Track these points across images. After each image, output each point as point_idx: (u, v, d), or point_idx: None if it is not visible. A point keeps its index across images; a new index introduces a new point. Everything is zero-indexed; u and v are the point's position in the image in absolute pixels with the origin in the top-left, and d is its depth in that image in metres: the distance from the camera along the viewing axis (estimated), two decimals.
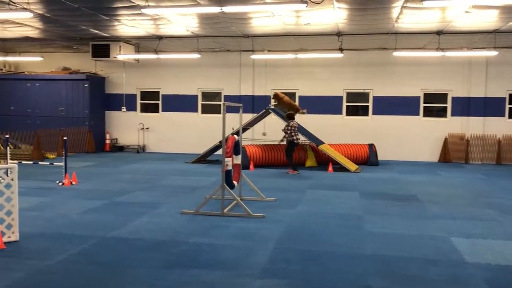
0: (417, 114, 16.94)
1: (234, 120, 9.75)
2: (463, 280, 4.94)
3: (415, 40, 14.60)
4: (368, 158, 15.17)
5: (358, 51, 16.58)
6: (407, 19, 11.84)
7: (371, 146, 15.43)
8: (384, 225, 7.29)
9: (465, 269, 5.27)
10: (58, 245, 5.99)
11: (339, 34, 13.91)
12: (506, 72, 16.11)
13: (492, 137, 16.29)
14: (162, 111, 18.74)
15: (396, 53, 14.96)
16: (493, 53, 14.64)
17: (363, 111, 17.46)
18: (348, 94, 17.45)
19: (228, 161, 7.94)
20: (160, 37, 14.94)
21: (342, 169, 13.63)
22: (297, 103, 17.65)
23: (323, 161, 14.60)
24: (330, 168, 13.70)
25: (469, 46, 14.86)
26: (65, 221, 7.26)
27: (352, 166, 13.85)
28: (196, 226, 7.04)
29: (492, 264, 5.43)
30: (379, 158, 15.63)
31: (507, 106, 16.38)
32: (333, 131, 16.83)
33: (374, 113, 17.21)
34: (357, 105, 17.53)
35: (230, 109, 9.20)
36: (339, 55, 15.28)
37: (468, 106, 16.51)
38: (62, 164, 10.75)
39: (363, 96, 17.40)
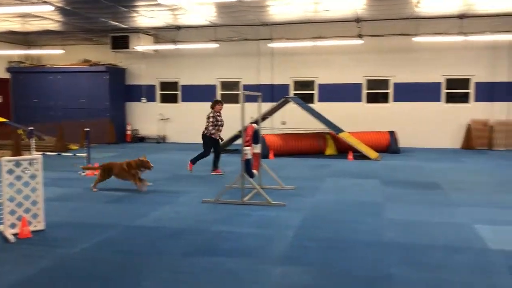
0: (439, 100, 16.67)
1: (253, 110, 9.76)
2: (487, 267, 4.88)
3: (436, 25, 14.32)
4: (389, 146, 15.02)
5: (378, 37, 16.35)
6: (428, 3, 11.61)
7: (392, 134, 15.26)
8: (406, 212, 7.23)
9: (488, 256, 5.20)
10: (82, 234, 6.12)
11: (358, 20, 13.73)
12: None
13: None
14: (182, 101, 18.86)
15: (417, 39, 14.70)
16: None
17: (384, 98, 17.26)
18: (368, 81, 17.26)
19: (247, 150, 7.96)
20: (178, 27, 15.00)
21: (363, 157, 13.55)
22: (316, 91, 17.58)
23: (343, 149, 14.51)
24: (350, 156, 13.62)
25: (493, 29, 14.49)
26: (89, 211, 7.41)
27: (372, 153, 13.74)
28: (217, 215, 7.10)
29: None
30: (400, 145, 15.47)
31: None
32: (353, 119, 16.70)
33: (395, 100, 17.00)
34: (377, 92, 17.33)
35: (249, 98, 9.19)
36: (358, 41, 15.09)
37: (491, 92, 16.16)
38: (85, 155, 10.94)
39: (384, 83, 17.19)
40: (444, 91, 16.65)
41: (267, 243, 5.69)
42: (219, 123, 10.79)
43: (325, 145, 14.66)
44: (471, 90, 16.47)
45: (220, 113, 10.91)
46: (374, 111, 17.11)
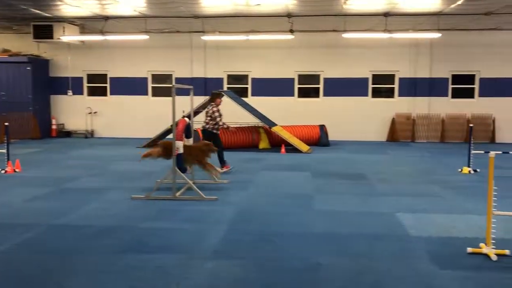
0: (366, 95, 17.36)
1: (186, 103, 9.61)
2: (408, 253, 5.16)
3: (363, 22, 14.86)
4: (320, 139, 15.44)
5: (309, 33, 16.68)
6: (355, 1, 12.00)
7: (322, 127, 15.70)
8: (335, 203, 7.47)
9: (409, 243, 5.50)
10: (0, 234, 5.73)
11: (289, 15, 13.93)
12: (449, 54, 16.75)
13: (437, 116, 16.98)
14: (111, 94, 18.21)
15: (345, 35, 15.18)
16: (437, 35, 15.17)
17: (314, 93, 17.69)
18: (300, 76, 17.60)
19: (179, 144, 7.85)
20: (106, 18, 14.42)
21: (295, 150, 13.81)
22: (250, 85, 17.67)
23: (276, 143, 14.71)
24: (283, 149, 13.84)
25: (415, 28, 15.32)
26: (8, 210, 6.95)
27: (304, 147, 14.05)
28: (147, 211, 6.94)
29: (433, 237, 5.70)
30: (330, 138, 15.94)
31: (450, 87, 17.10)
32: (285, 113, 16.94)
33: (325, 94, 17.48)
34: (308, 87, 17.72)
35: (181, 92, 9.05)
36: (290, 36, 15.32)
37: (414, 87, 17.07)
38: (4, 151, 10.25)
39: (314, 78, 17.61)
40: (370, 86, 17.36)
41: (199, 238, 5.64)
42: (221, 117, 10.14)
43: (259, 139, 14.79)
44: (396, 86, 17.31)
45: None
46: (305, 105, 17.49)
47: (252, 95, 17.57)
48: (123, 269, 4.66)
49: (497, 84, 16.76)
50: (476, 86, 17.00)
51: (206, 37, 16.20)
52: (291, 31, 15.02)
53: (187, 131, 8.44)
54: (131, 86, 17.93)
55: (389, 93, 17.47)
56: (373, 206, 7.27)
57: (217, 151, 9.44)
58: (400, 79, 17.20)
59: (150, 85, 18.02)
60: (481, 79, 16.92)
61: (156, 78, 18.08)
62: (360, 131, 17.21)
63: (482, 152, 10.28)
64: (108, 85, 18.20)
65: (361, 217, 6.65)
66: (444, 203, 7.48)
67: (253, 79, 17.63)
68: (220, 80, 17.63)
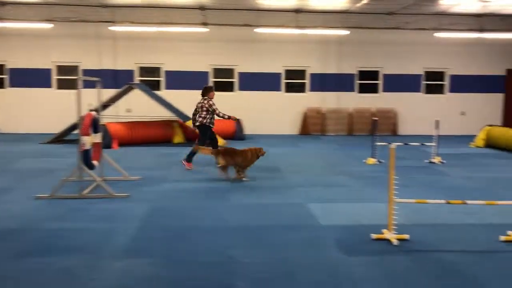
0: (279, 89, 17.76)
1: (94, 96, 9.14)
2: (317, 242, 5.34)
3: (276, 18, 15.16)
4: (235, 133, 15.52)
5: (223, 26, 16.63)
6: None
7: (238, 121, 15.78)
8: (249, 196, 7.54)
9: (319, 232, 5.71)
10: None
11: (202, 8, 13.80)
12: (356, 51, 17.63)
13: (345, 110, 17.83)
14: (10, 86, 16.83)
15: (258, 30, 15.37)
16: (345, 32, 15.89)
17: (230, 87, 17.73)
18: (215, 69, 17.53)
19: (85, 140, 7.45)
20: (2, 3, 13.28)
21: (211, 144, 13.72)
22: (163, 78, 17.27)
23: (192, 137, 14.53)
24: None
25: (325, 25, 15.91)
26: None
27: (219, 140, 14.01)
28: (51, 211, 6.51)
29: (342, 225, 5.97)
30: (245, 132, 16.09)
31: (357, 82, 18.03)
32: None
33: (240, 88, 17.60)
34: (223, 81, 17.72)
35: (88, 84, 8.60)
36: (204, 29, 15.18)
37: (324, 82, 17.77)
38: None
39: (229, 72, 17.64)
40: (284, 81, 17.78)
41: (107, 237, 5.40)
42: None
43: (173, 133, 14.52)
44: (307, 81, 17.89)
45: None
46: (220, 99, 17.32)
47: (166, 88, 17.20)
48: (25, 273, 4.33)
49: (399, 80, 17.98)
50: (380, 81, 18.10)
51: (114, 28, 15.52)
52: (205, 24, 14.90)
53: (95, 125, 8.03)
54: (33, 78, 16.72)
55: (301, 88, 18.02)
56: (286, 198, 7.45)
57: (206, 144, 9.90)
58: (311, 75, 17.80)
59: (54, 77, 16.92)
60: (385, 75, 18.04)
61: (62, 69, 17.03)
62: (274, 125, 17.58)
63: (385, 143, 11.00)
64: (6, 77, 16.80)
65: (275, 208, 6.78)
66: (352, 193, 7.86)
67: (167, 72, 17.25)
68: (131, 72, 17.04)
